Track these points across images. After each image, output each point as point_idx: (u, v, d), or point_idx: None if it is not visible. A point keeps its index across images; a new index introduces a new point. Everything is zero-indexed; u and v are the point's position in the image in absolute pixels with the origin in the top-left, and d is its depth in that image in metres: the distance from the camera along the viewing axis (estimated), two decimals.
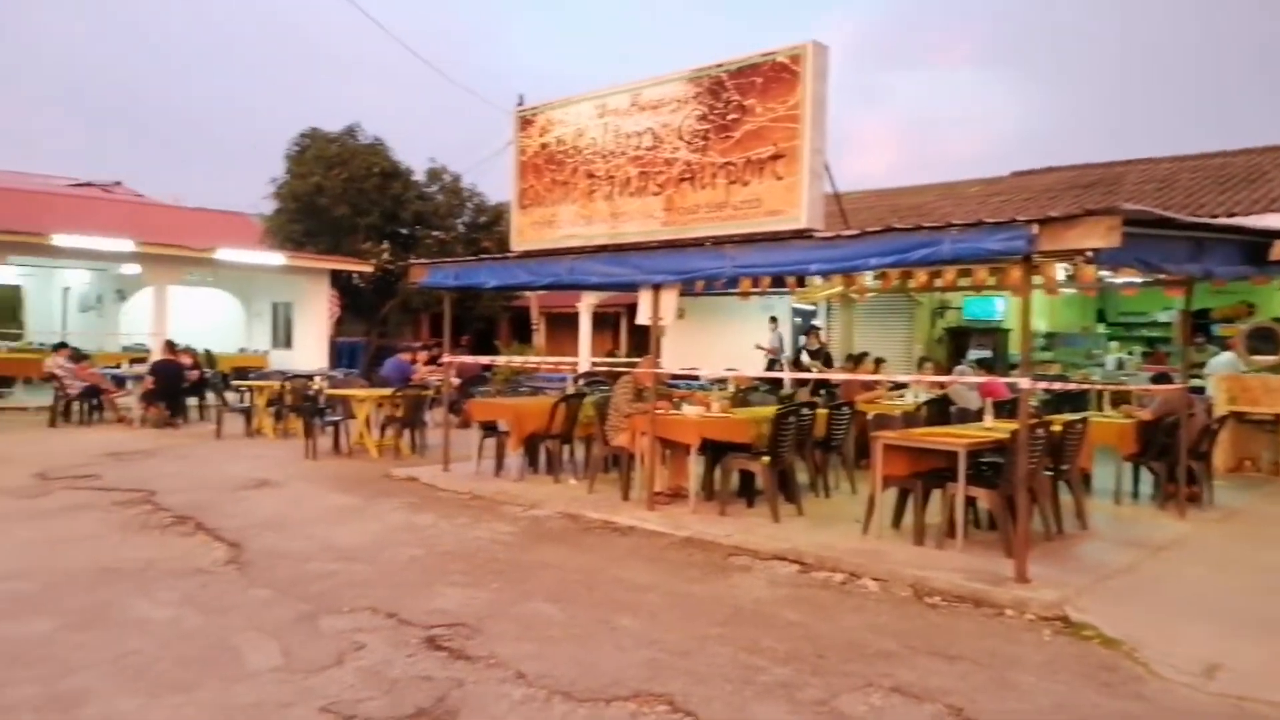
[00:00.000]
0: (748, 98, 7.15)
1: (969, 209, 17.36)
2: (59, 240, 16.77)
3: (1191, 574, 6.39)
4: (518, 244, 9.17)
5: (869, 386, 11.55)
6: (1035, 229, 5.66)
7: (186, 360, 15.24)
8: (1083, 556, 6.82)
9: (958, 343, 18.24)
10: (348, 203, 21.93)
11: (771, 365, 17.42)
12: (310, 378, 13.76)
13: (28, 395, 16.50)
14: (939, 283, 10.14)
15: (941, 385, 11.16)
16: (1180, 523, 7.99)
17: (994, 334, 18.27)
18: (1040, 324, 19.79)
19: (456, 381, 13.40)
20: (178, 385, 14.71)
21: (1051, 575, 6.08)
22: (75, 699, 4.01)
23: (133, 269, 19.92)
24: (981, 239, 5.91)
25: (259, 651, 4.64)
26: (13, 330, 21.98)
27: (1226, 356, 12.40)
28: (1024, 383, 6.09)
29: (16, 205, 20.68)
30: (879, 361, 12.39)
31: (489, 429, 9.97)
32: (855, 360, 12.72)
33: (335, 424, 11.90)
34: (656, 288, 7.99)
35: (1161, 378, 9.74)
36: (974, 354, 17.58)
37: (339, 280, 21.52)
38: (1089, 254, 5.74)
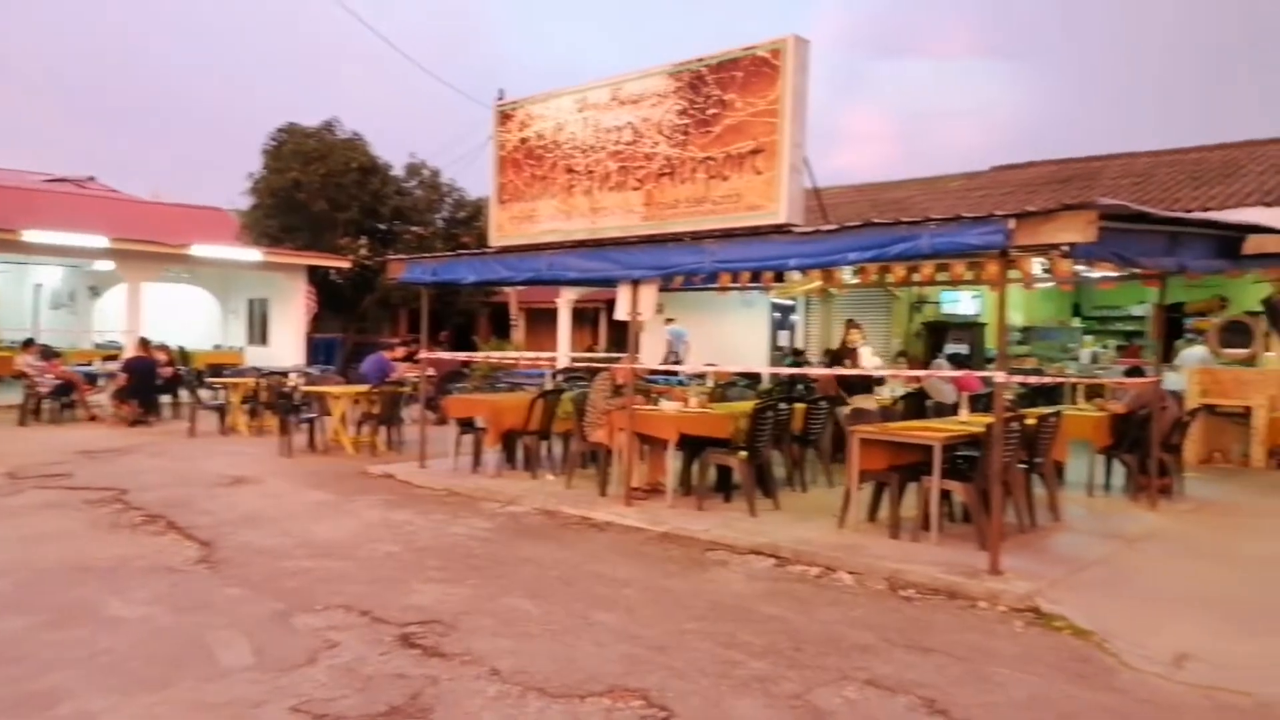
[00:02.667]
0: (728, 92, 7.14)
1: (949, 204, 17.48)
2: (30, 237, 16.51)
3: (1161, 565, 6.45)
4: (496, 239, 9.13)
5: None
6: (1012, 224, 5.69)
7: (161, 357, 15.08)
8: (1055, 549, 6.88)
9: (936, 337, 18.32)
10: (326, 198, 21.78)
11: (670, 360, 17.17)
12: (286, 374, 13.65)
13: None
14: (917, 277, 10.20)
15: (918, 379, 11.22)
16: (1151, 514, 8.08)
17: (971, 329, 18.39)
18: (1017, 318, 19.93)
19: (431, 376, 13.33)
20: (151, 382, 14.55)
21: (1025, 567, 6.12)
22: (49, 698, 3.95)
23: (106, 265, 19.67)
24: (960, 233, 5.93)
25: (231, 650, 4.59)
26: None
27: (1199, 350, 12.55)
28: (999, 377, 6.12)
29: None
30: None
31: (466, 425, 9.92)
32: (835, 355, 12.75)
33: (311, 421, 11.81)
34: (635, 283, 7.96)
35: (1134, 371, 9.84)
36: (951, 348, 17.68)
37: (316, 276, 21.35)
38: (1065, 248, 5.77)
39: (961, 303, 18.93)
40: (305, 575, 5.97)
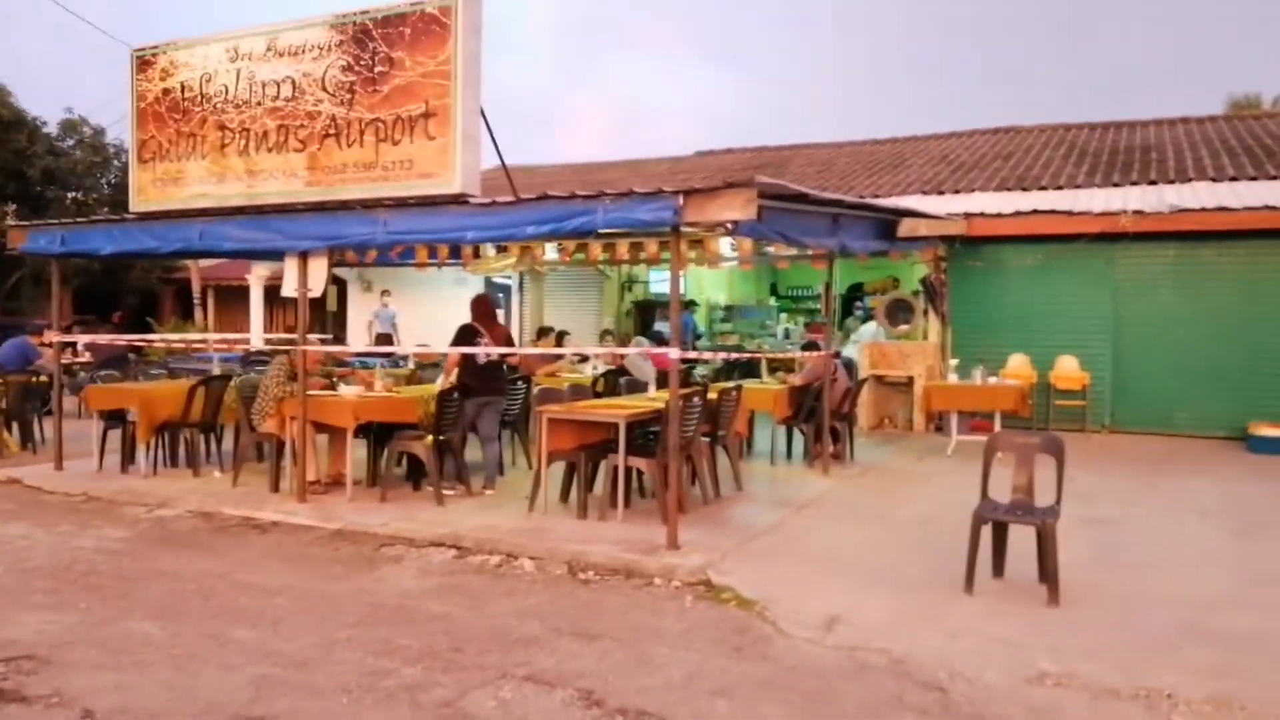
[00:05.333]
0: (396, 49, 6.58)
1: (653, 185, 17.89)
2: None
3: (825, 530, 6.80)
4: (139, 204, 7.95)
5: (549, 360, 11.43)
6: (681, 200, 5.67)
7: None
8: (733, 519, 7.06)
9: (645, 316, 18.78)
10: None
11: (382, 342, 16.48)
12: None
13: None
14: (612, 256, 10.23)
15: (620, 357, 11.28)
16: (824, 480, 8.59)
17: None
18: (720, 297, 20.93)
19: (88, 362, 11.63)
20: None
21: (702, 540, 6.19)
22: None
23: None
24: (633, 209, 5.85)
25: None
26: None
27: (871, 326, 13.68)
28: (673, 353, 6.12)
29: None
30: (562, 335, 12.32)
31: (114, 419, 8.63)
32: (540, 334, 12.56)
33: None
34: (303, 255, 7.23)
35: (811, 345, 10.47)
36: (659, 327, 18.18)
37: None
38: (730, 225, 5.85)
39: (669, 282, 19.52)
40: None
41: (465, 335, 7.69)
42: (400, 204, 6.64)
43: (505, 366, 8.08)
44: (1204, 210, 10.98)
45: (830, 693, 3.90)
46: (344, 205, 6.86)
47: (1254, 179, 12.41)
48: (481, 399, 7.79)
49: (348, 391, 7.68)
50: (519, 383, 9.30)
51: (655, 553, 5.85)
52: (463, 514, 6.97)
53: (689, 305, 19.49)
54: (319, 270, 7.33)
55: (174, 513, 7.16)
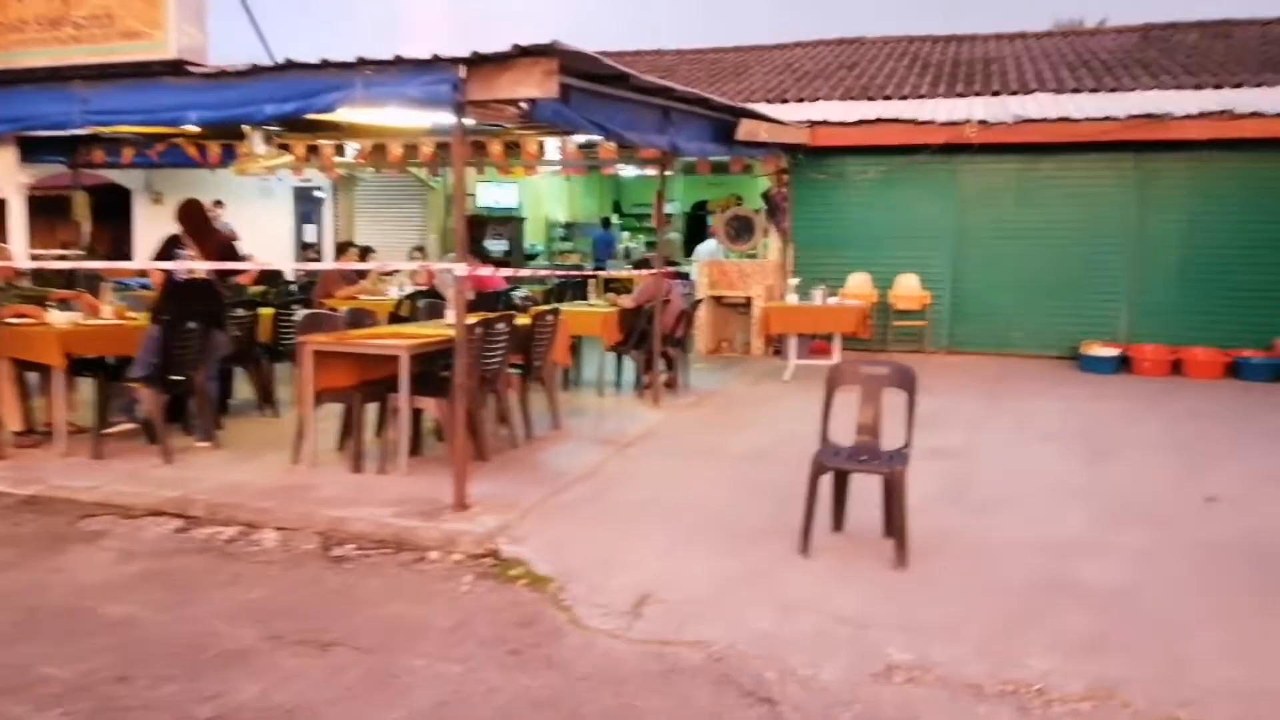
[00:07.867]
0: None
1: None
2: None
3: (649, 471, 5.88)
4: None
5: (351, 280, 9.98)
6: (462, 71, 4.45)
7: None
8: (545, 464, 6.04)
9: (474, 232, 17.28)
10: None
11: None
12: None
13: None
14: (418, 157, 8.86)
15: (433, 276, 9.96)
16: (653, 412, 7.67)
17: (510, 222, 17.64)
18: (560, 214, 19.69)
19: None
20: None
21: (502, 494, 5.15)
22: None
23: None
24: (402, 82, 4.61)
25: None
26: None
27: (710, 244, 12.81)
28: (459, 269, 4.95)
29: None
30: (366, 251, 10.83)
31: None
32: (340, 250, 11.05)
33: None
34: None
35: (644, 263, 9.48)
36: (490, 244, 16.81)
37: None
38: (524, 106, 4.68)
39: (501, 196, 18.08)
40: None
41: (165, 248, 6.11)
42: (103, 73, 5.07)
43: (222, 288, 6.45)
44: (1047, 121, 10.56)
45: (627, 715, 2.96)
46: (26, 75, 5.22)
47: (1094, 91, 12.13)
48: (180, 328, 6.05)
49: (57, 319, 6.09)
50: (291, 308, 7.89)
51: (438, 516, 4.76)
52: (206, 470, 5.64)
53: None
54: (7, 164, 5.68)
55: None
